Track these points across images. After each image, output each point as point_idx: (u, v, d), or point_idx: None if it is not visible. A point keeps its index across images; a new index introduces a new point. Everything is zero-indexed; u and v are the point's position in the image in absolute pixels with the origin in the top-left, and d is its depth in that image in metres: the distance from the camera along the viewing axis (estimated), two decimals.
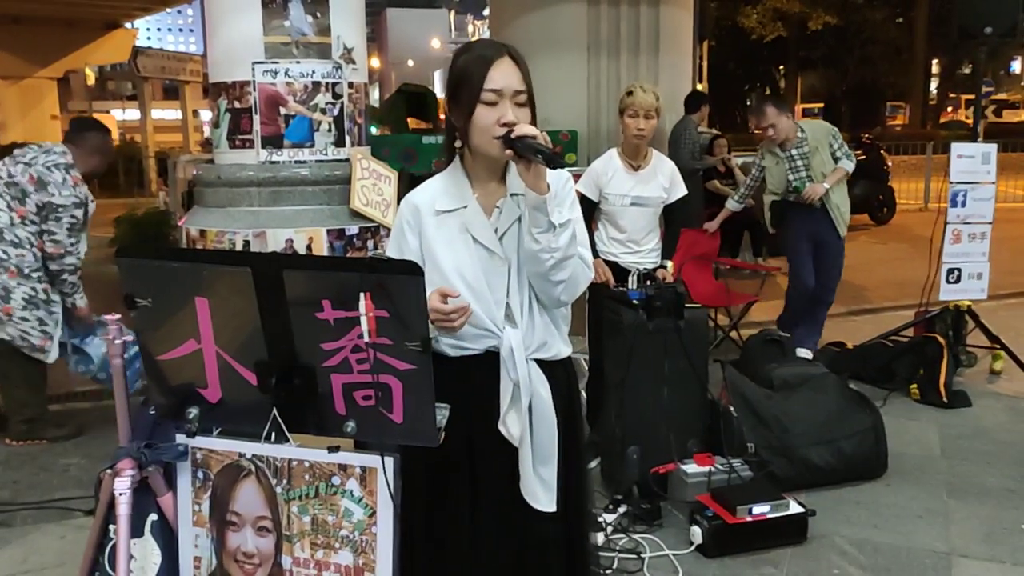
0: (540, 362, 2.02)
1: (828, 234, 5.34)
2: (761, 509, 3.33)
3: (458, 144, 2.00)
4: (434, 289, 1.88)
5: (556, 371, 2.06)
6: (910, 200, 14.20)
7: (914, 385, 5.03)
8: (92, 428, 4.73)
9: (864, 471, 3.92)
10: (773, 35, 30.44)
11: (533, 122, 1.93)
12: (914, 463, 4.12)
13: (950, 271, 5.48)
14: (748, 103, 42.14)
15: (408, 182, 6.32)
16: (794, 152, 5.28)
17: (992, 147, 5.53)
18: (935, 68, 37.77)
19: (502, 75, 1.90)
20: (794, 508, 3.39)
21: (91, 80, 24.53)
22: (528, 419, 1.98)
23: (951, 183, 5.43)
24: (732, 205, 5.74)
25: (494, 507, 2.02)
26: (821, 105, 42.37)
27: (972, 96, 7.78)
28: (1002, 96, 32.43)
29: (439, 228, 1.98)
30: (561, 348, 2.08)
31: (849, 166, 5.30)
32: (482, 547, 2.02)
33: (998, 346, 5.54)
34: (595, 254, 4.13)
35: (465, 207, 1.98)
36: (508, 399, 1.96)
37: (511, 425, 1.96)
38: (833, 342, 5.70)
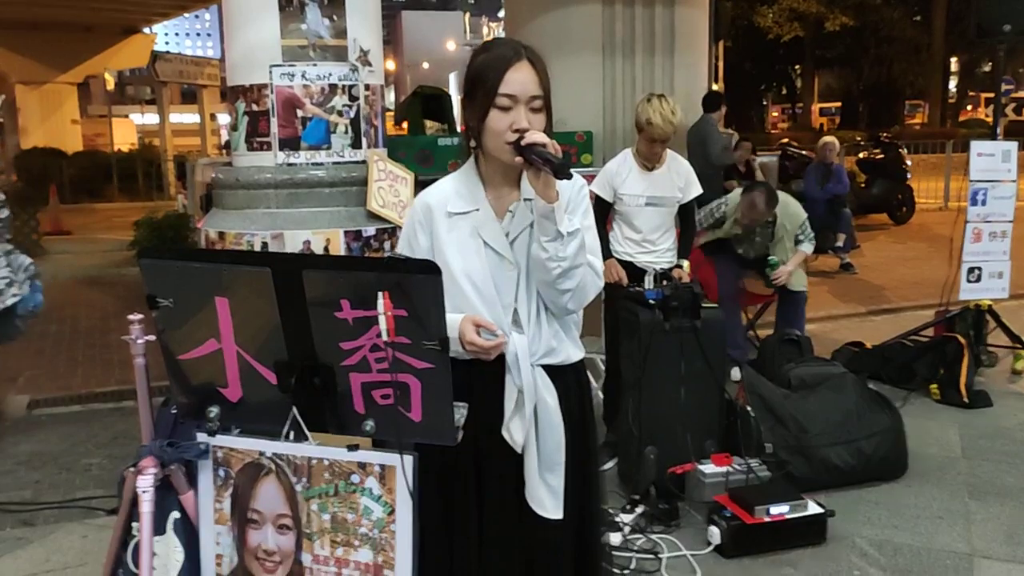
0: (548, 368, 2.00)
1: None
2: (779, 509, 3.32)
3: (473, 144, 1.99)
4: (466, 317, 1.88)
5: (565, 376, 2.04)
6: (929, 199, 14.11)
7: (934, 385, 5.00)
8: (113, 428, 4.78)
9: (884, 471, 3.90)
10: (790, 35, 30.29)
11: (549, 128, 1.92)
12: (934, 463, 4.09)
13: (971, 270, 5.44)
14: (764, 103, 41.99)
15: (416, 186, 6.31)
16: (757, 229, 5.19)
17: (1012, 145, 5.49)
18: (954, 66, 37.45)
19: (518, 79, 1.88)
20: (813, 509, 3.38)
21: (110, 85, 24.77)
22: (534, 426, 1.97)
23: (971, 181, 5.39)
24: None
25: (500, 513, 2.01)
26: (838, 104, 42.14)
27: (991, 94, 7.73)
28: (1022, 94, 32.15)
29: (450, 230, 1.97)
30: (571, 353, 2.05)
31: (810, 249, 5.27)
32: (489, 553, 2.01)
33: (1019, 346, 5.50)
34: (608, 254, 4.13)
35: (477, 210, 1.97)
36: (512, 405, 1.95)
37: (514, 431, 1.95)
38: (852, 342, 5.66)
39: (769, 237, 5.24)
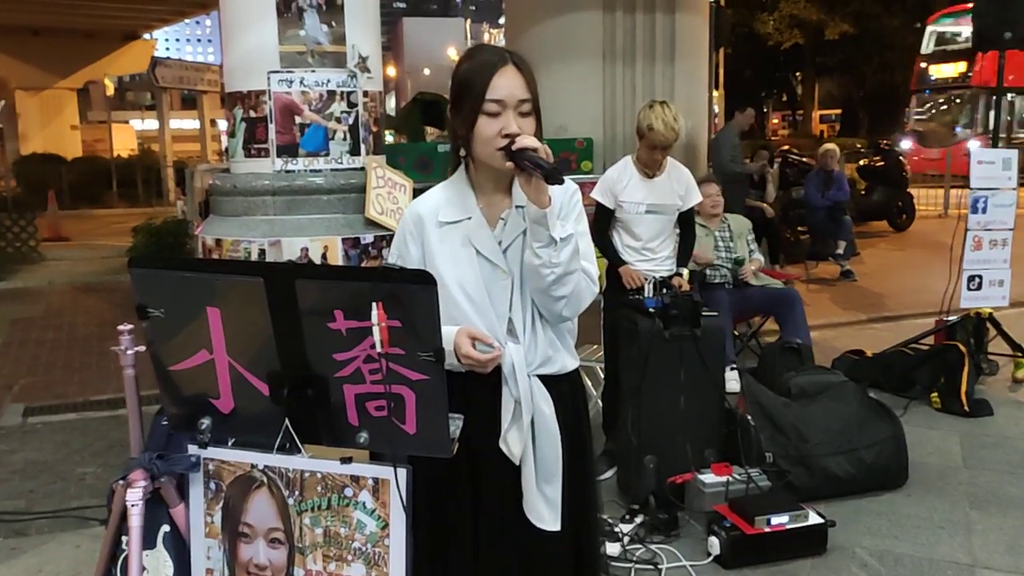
0: (544, 377, 1.97)
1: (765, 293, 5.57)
2: (780, 519, 3.29)
3: (463, 153, 1.97)
4: (461, 330, 1.85)
5: (561, 386, 2.02)
6: (929, 206, 14.10)
7: (935, 394, 4.97)
8: (109, 437, 4.75)
9: (884, 481, 3.87)
10: (790, 42, 30.32)
11: (539, 132, 1.90)
12: (935, 473, 4.06)
13: (971, 278, 5.41)
14: (764, 110, 41.99)
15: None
16: (717, 234, 5.56)
17: (1013, 152, 5.47)
18: None
19: (505, 84, 1.85)
20: (813, 519, 3.35)
21: (110, 91, 24.73)
22: (531, 437, 1.94)
23: (971, 189, 5.37)
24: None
25: (497, 525, 1.98)
26: (839, 111, 42.16)
27: None
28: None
29: (442, 240, 1.95)
30: (567, 362, 2.03)
31: (762, 259, 5.78)
32: (485, 565, 1.99)
33: (1020, 354, 5.47)
34: (622, 261, 4.11)
35: (469, 219, 1.94)
36: (509, 416, 1.93)
37: (512, 443, 1.93)
38: (852, 350, 5.64)
39: (729, 238, 5.57)
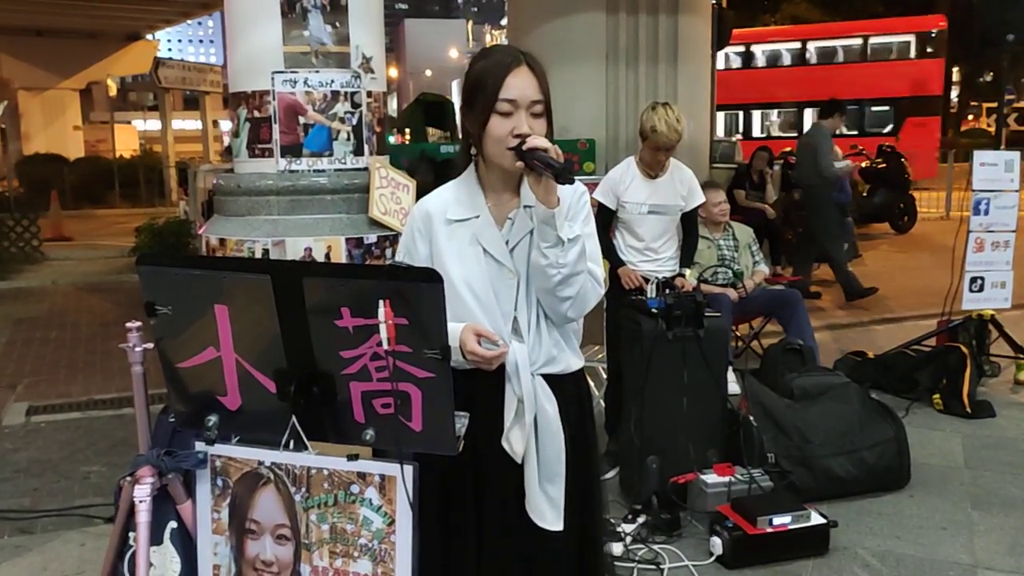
0: (548, 377, 1.98)
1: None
2: (782, 520, 3.30)
3: (473, 151, 1.98)
4: (467, 326, 1.86)
5: (565, 386, 2.02)
6: (931, 209, 14.10)
7: (937, 395, 4.98)
8: (113, 435, 4.76)
9: (886, 482, 3.88)
10: None
11: (550, 133, 1.91)
12: (937, 474, 4.07)
13: (973, 280, 5.42)
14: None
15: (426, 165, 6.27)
16: (722, 243, 5.48)
17: (1015, 155, 5.48)
18: (955, 76, 37.47)
19: (518, 84, 1.87)
20: (815, 519, 3.35)
21: (113, 91, 24.72)
22: (534, 436, 1.95)
23: (973, 191, 5.38)
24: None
25: (500, 523, 1.99)
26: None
27: (993, 104, 7.70)
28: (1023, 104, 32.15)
29: (450, 238, 1.96)
30: (571, 362, 2.04)
31: (767, 270, 5.71)
32: (488, 564, 1.99)
33: (1022, 356, 5.47)
34: (621, 262, 4.12)
35: (477, 217, 1.95)
36: (512, 415, 1.93)
37: (514, 442, 1.93)
38: (854, 351, 5.65)
39: (733, 248, 5.49)
